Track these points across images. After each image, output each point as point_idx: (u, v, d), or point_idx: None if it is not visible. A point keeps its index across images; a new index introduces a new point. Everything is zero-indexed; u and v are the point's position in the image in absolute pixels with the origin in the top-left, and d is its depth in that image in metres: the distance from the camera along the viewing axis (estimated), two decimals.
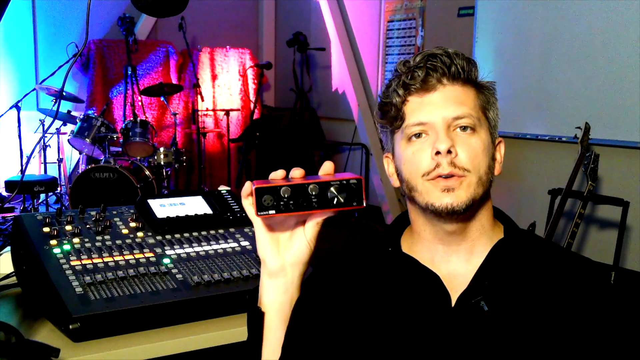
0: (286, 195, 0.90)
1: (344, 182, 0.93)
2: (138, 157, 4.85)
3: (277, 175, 0.95)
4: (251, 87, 6.55)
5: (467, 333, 0.94)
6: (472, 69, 0.99)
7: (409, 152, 0.98)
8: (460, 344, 0.93)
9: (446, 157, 0.93)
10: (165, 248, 1.42)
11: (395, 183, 1.04)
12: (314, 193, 0.92)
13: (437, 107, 0.96)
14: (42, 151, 5.08)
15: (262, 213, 0.90)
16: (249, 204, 0.97)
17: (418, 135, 0.97)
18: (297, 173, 0.95)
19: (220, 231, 1.53)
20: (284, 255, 1.00)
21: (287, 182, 0.92)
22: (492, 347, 0.92)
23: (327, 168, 0.97)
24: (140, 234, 1.45)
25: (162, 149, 5.00)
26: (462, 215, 0.96)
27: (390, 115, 0.99)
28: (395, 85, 0.98)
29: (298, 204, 0.92)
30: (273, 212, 0.91)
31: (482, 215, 0.99)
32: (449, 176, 0.93)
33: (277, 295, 1.01)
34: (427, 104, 0.96)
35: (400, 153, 0.99)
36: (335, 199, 0.92)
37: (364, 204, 0.93)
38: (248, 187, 0.95)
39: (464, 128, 0.96)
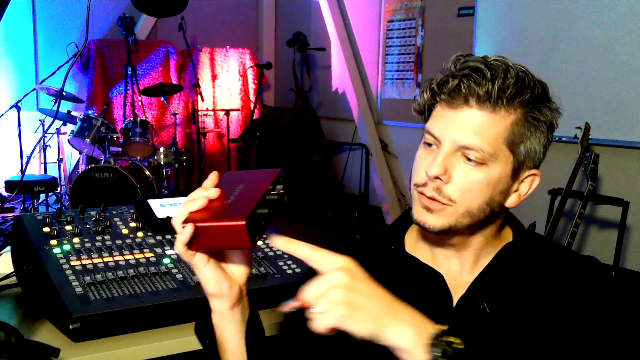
0: (262, 213, 0.84)
1: (280, 178, 0.90)
2: (138, 157, 4.85)
3: (199, 202, 0.86)
4: (251, 87, 6.55)
5: (467, 334, 0.93)
6: (521, 92, 0.89)
7: (418, 155, 0.96)
8: None
9: (433, 182, 0.91)
10: (165, 248, 1.42)
11: None
12: (275, 197, 0.88)
13: (451, 128, 0.90)
14: (42, 151, 5.08)
15: (254, 242, 0.82)
16: (183, 242, 0.84)
17: (430, 144, 0.94)
18: (212, 182, 0.88)
19: None
20: (236, 278, 0.93)
21: (252, 199, 0.84)
22: (492, 348, 0.91)
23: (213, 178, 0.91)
24: (140, 234, 1.45)
25: (162, 149, 5.00)
26: (444, 235, 0.95)
27: (416, 108, 0.98)
28: (428, 84, 0.94)
29: (269, 215, 0.86)
30: (258, 236, 0.84)
31: (486, 231, 0.97)
32: (431, 199, 0.92)
33: (241, 321, 0.95)
34: (445, 119, 0.92)
35: (417, 151, 0.98)
36: (285, 196, 0.90)
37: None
38: (188, 229, 0.83)
39: (469, 159, 0.90)
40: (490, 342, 0.92)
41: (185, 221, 0.83)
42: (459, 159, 0.91)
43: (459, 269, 0.99)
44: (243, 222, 0.79)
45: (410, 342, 0.75)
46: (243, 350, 0.96)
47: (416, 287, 0.99)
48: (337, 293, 0.75)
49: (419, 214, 0.94)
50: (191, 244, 0.84)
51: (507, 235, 1.02)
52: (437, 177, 0.90)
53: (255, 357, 0.97)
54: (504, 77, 0.88)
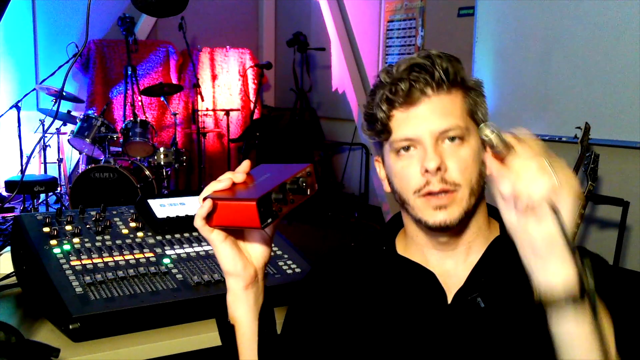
0: (277, 198, 0.89)
1: (309, 172, 0.95)
2: (138, 157, 4.85)
3: (224, 183, 0.91)
4: (251, 87, 6.55)
5: (464, 330, 0.94)
6: (457, 70, 0.96)
7: (398, 167, 0.97)
8: (457, 340, 0.93)
9: (436, 175, 0.92)
10: (165, 248, 1.42)
11: (387, 188, 1.03)
12: (295, 187, 0.92)
13: (423, 121, 0.93)
14: (42, 151, 5.08)
15: (265, 224, 0.86)
16: (201, 216, 0.89)
17: (407, 148, 0.95)
18: (243, 168, 0.94)
19: None
20: (252, 260, 0.97)
21: (272, 185, 0.89)
22: (489, 344, 0.92)
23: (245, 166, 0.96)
24: (140, 234, 1.45)
25: (162, 149, 5.00)
26: (456, 228, 0.96)
27: (376, 129, 0.98)
28: (379, 99, 0.96)
29: (286, 202, 0.91)
30: (270, 219, 0.87)
31: (477, 218, 0.99)
32: (440, 192, 0.92)
33: (253, 303, 0.98)
34: (412, 117, 0.94)
35: (390, 165, 0.98)
36: (308, 189, 0.94)
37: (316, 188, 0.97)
38: (207, 203, 0.88)
39: (452, 139, 0.93)
40: (486, 337, 0.92)
41: (206, 198, 0.89)
42: (442, 146, 0.94)
43: (452, 267, 1.00)
44: (254, 202, 0.84)
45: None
46: (254, 333, 0.98)
47: (410, 287, 0.99)
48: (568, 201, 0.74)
49: (433, 216, 0.94)
50: (209, 220, 0.90)
51: (494, 229, 1.03)
52: (438, 169, 0.92)
53: (266, 343, 0.98)
54: (441, 61, 0.95)
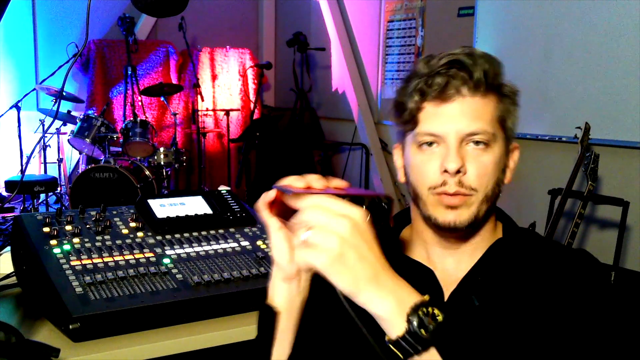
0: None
1: (384, 198, 0.85)
2: (138, 157, 4.85)
3: (302, 183, 0.85)
4: (251, 87, 6.55)
5: (457, 327, 0.94)
6: (496, 74, 0.95)
7: (417, 160, 0.96)
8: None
9: (454, 177, 0.92)
10: (165, 248, 1.42)
11: (402, 178, 1.03)
12: (371, 204, 0.83)
13: (452, 120, 0.92)
14: (42, 151, 5.08)
15: None
16: (265, 200, 0.87)
17: (430, 143, 0.94)
18: (337, 183, 0.88)
19: (220, 231, 1.53)
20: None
21: (344, 191, 0.82)
22: (484, 343, 0.92)
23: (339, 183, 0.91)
24: (140, 234, 1.45)
25: (162, 149, 5.00)
26: (465, 231, 0.96)
27: (404, 118, 0.97)
28: (412, 88, 0.94)
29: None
30: None
31: (487, 223, 0.99)
32: (455, 194, 0.92)
33: (291, 298, 0.96)
34: (442, 114, 0.93)
35: (410, 157, 0.98)
36: (385, 214, 0.85)
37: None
38: (273, 192, 0.86)
39: (477, 143, 0.93)
40: (478, 334, 0.92)
41: (276, 188, 0.86)
42: (466, 149, 0.93)
43: (454, 266, 1.00)
44: None
45: (388, 312, 0.75)
46: (288, 327, 0.94)
47: (409, 283, 0.99)
48: (332, 240, 0.73)
49: (443, 215, 0.94)
50: (272, 207, 0.89)
51: (499, 231, 1.04)
52: (457, 171, 0.91)
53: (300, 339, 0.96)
54: (483, 62, 0.93)
